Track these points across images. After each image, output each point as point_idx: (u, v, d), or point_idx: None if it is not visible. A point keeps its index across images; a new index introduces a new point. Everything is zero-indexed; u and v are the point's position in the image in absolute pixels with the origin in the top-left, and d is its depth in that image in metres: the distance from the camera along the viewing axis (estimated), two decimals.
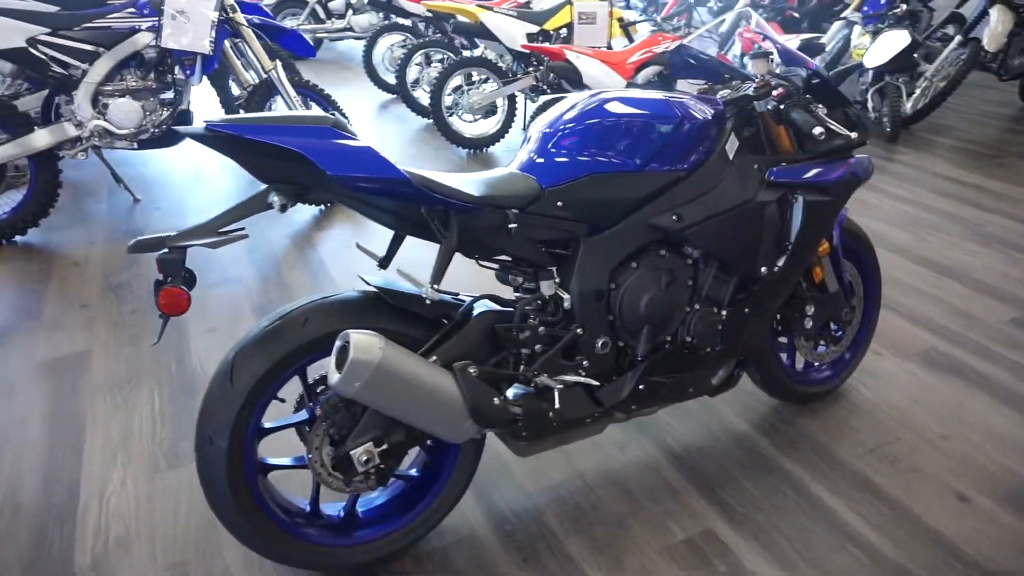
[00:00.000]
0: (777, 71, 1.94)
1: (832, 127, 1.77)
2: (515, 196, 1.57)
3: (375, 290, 1.57)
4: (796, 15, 5.83)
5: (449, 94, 4.59)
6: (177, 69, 3.42)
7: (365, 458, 1.51)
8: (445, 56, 5.29)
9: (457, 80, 4.59)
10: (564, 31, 4.70)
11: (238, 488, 1.49)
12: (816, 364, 2.30)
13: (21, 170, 3.34)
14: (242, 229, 1.51)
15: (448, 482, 1.72)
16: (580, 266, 1.65)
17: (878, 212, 3.87)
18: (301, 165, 1.37)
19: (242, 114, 1.63)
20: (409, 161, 4.58)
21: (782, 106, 1.77)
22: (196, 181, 4.15)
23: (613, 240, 1.66)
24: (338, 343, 1.42)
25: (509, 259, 1.68)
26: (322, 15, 7.65)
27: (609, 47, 4.74)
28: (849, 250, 2.23)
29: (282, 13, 7.53)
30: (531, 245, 1.63)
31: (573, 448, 2.10)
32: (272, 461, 1.60)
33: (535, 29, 4.59)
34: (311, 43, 3.86)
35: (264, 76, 3.58)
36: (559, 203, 1.61)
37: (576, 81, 4.06)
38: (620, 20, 4.80)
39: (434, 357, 1.55)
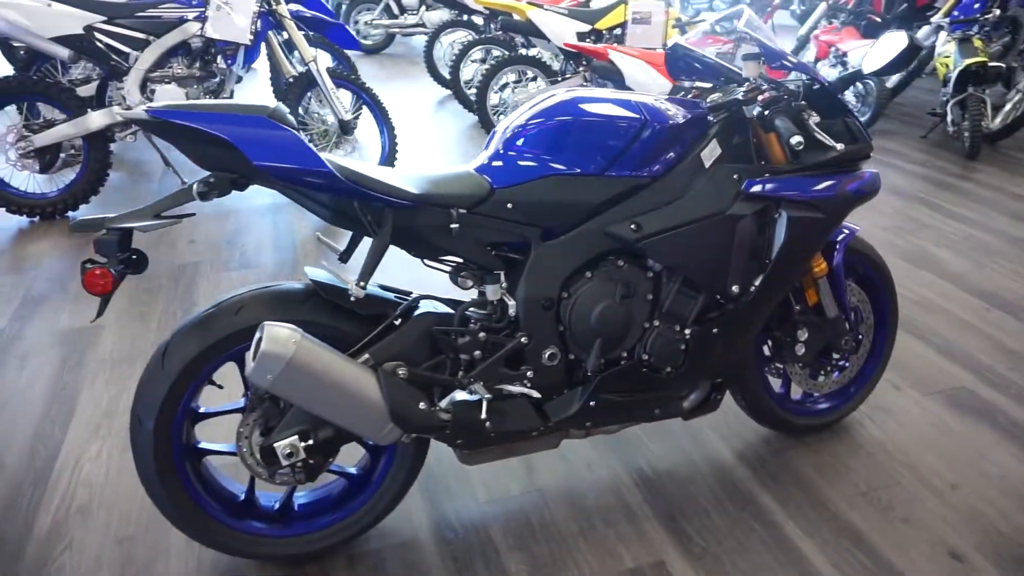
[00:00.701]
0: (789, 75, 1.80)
1: (820, 137, 1.62)
2: (461, 195, 1.52)
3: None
4: (878, 19, 5.45)
5: (496, 91, 4.57)
6: (220, 58, 3.55)
7: (288, 451, 1.50)
8: (502, 54, 5.26)
9: (511, 76, 4.56)
10: (618, 31, 4.58)
11: (164, 469, 1.51)
12: (815, 394, 2.12)
13: (77, 150, 3.56)
14: (186, 216, 1.53)
15: (383, 483, 1.68)
16: (529, 272, 1.58)
17: (935, 233, 3.56)
18: (232, 153, 1.37)
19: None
20: (453, 156, 4.59)
21: (767, 112, 1.64)
22: None
23: (567, 247, 1.58)
24: (257, 334, 1.41)
25: (459, 260, 1.63)
26: (396, 10, 7.79)
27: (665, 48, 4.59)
28: (859, 274, 2.05)
29: (357, 8, 7.72)
30: (478, 247, 1.57)
31: (537, 461, 2.03)
32: (206, 446, 1.62)
33: (586, 28, 4.49)
34: (355, 37, 3.93)
35: (304, 68, 3.65)
36: (509, 205, 1.54)
37: (619, 82, 3.95)
38: (677, 20, 4.63)
39: (366, 356, 1.53)
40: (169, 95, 3.48)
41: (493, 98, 4.53)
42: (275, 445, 1.50)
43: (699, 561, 1.72)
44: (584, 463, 2.02)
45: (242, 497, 1.66)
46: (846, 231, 1.95)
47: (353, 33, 7.88)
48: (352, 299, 1.49)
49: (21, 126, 3.40)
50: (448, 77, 5.38)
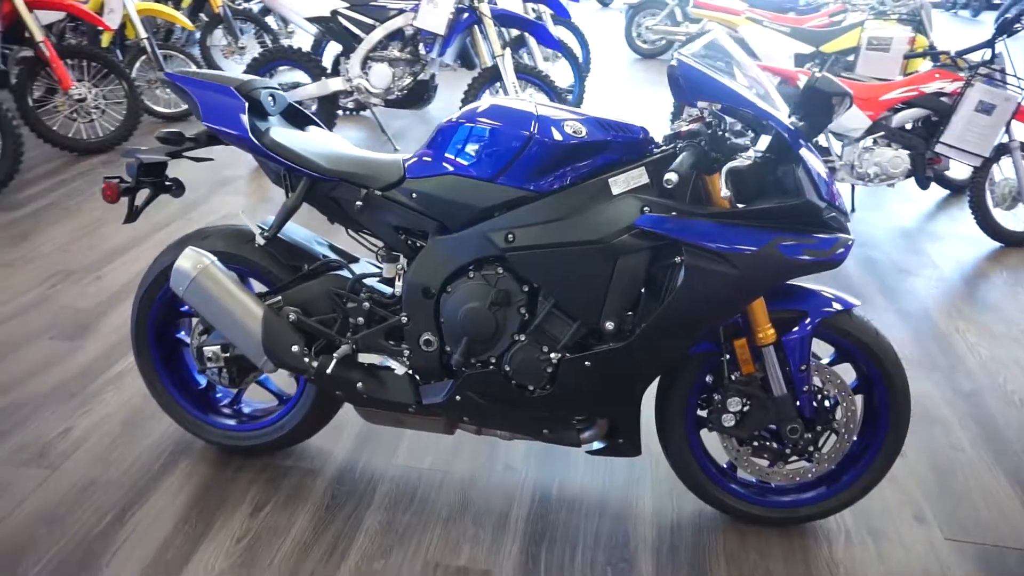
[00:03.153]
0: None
1: (721, 181, 1.43)
2: (376, 178, 1.71)
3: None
4: None
5: None
6: (422, 45, 4.07)
7: (210, 356, 1.86)
8: None
9: None
10: (849, 57, 4.07)
11: (140, 348, 1.98)
12: (771, 483, 1.83)
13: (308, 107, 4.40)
14: (205, 160, 1.96)
15: (291, 411, 1.96)
16: (419, 260, 1.70)
17: None
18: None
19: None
20: None
21: (683, 142, 1.50)
22: None
23: (456, 244, 1.66)
24: None
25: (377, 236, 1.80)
26: (679, 17, 7.75)
27: None
28: (857, 363, 1.72)
29: (642, 12, 7.87)
30: (385, 227, 1.74)
31: (464, 446, 2.10)
32: (181, 336, 2.05)
33: (808, 50, 4.08)
34: (556, 39, 4.16)
35: (492, 62, 4.00)
36: (414, 194, 1.68)
37: None
38: (930, 48, 3.94)
39: (279, 297, 1.81)
40: (380, 73, 4.11)
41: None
42: (203, 348, 1.87)
43: None
44: (503, 464, 2.06)
45: (202, 386, 2.08)
46: (832, 304, 1.66)
47: (634, 36, 8.09)
48: (256, 245, 1.77)
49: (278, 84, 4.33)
50: None
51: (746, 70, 1.62)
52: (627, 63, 7.66)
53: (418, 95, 4.20)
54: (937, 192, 4.10)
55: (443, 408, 1.76)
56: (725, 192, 1.43)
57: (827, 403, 1.73)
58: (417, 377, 1.78)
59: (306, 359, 1.76)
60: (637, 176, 1.57)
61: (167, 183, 1.92)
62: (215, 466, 2.03)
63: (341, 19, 4.14)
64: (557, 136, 1.56)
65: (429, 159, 1.69)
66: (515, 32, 4.83)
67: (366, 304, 1.75)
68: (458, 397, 1.73)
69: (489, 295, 1.65)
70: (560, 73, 5.25)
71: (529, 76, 4.05)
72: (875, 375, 1.71)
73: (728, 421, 1.70)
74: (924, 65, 4.00)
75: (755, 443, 1.76)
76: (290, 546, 1.78)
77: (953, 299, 3.04)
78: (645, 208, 1.55)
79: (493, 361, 1.70)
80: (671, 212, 1.53)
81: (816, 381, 1.71)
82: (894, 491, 1.98)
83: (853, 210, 3.85)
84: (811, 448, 1.74)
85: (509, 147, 1.58)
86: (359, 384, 1.78)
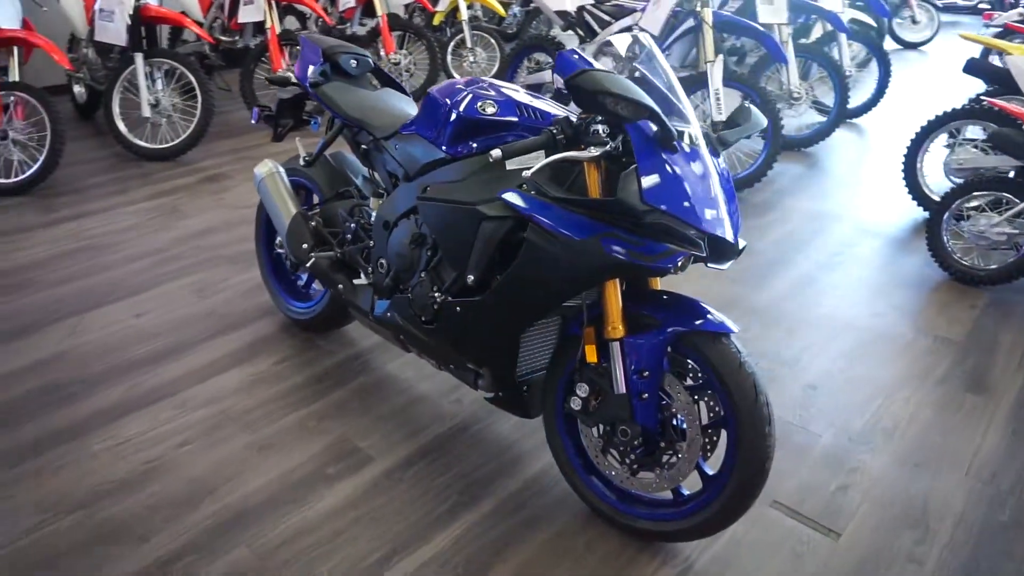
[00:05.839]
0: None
1: (540, 165, 1.54)
2: (382, 128, 2.17)
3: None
4: None
5: (946, 145, 3.78)
6: None
7: (278, 242, 2.56)
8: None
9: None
10: None
11: (258, 236, 2.76)
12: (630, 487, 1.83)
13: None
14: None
15: (319, 302, 2.56)
16: (387, 199, 2.12)
17: None
18: None
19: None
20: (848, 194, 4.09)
21: (548, 127, 1.63)
22: None
23: (407, 190, 2.04)
24: None
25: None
26: None
27: None
28: (722, 402, 1.64)
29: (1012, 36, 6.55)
30: (381, 168, 2.20)
31: (441, 376, 2.46)
32: None
33: None
34: (784, 53, 3.97)
35: (703, 67, 4.01)
36: (396, 146, 2.10)
37: (1018, 155, 2.84)
38: None
39: (319, 208, 2.40)
40: (603, 65, 4.41)
41: (931, 147, 3.77)
42: (277, 240, 2.58)
43: (372, 487, 2.01)
44: (456, 397, 2.36)
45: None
46: (694, 322, 1.62)
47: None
48: (302, 166, 2.37)
49: (526, 68, 4.94)
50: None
51: (660, 73, 1.66)
52: (963, 91, 6.47)
53: None
54: None
55: (380, 322, 2.16)
56: (527, 173, 1.55)
57: (675, 421, 1.69)
58: (374, 291, 2.21)
59: (310, 254, 2.32)
60: (538, 154, 1.74)
61: (304, 117, 2.63)
62: (281, 328, 2.75)
63: (585, 14, 4.55)
64: (469, 110, 1.82)
65: (415, 118, 2.08)
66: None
67: (353, 225, 2.23)
68: (388, 315, 2.12)
69: (412, 235, 1.99)
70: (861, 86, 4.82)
71: (740, 85, 3.96)
72: (726, 408, 1.61)
73: (575, 404, 1.78)
74: None
75: (605, 437, 1.79)
76: (274, 391, 2.40)
77: None
78: (523, 185, 1.72)
79: (409, 291, 2.04)
80: (531, 192, 1.68)
81: (675, 398, 1.67)
82: (784, 562, 1.78)
83: None
84: (652, 460, 1.72)
85: (439, 116, 1.89)
86: (340, 285, 2.28)
